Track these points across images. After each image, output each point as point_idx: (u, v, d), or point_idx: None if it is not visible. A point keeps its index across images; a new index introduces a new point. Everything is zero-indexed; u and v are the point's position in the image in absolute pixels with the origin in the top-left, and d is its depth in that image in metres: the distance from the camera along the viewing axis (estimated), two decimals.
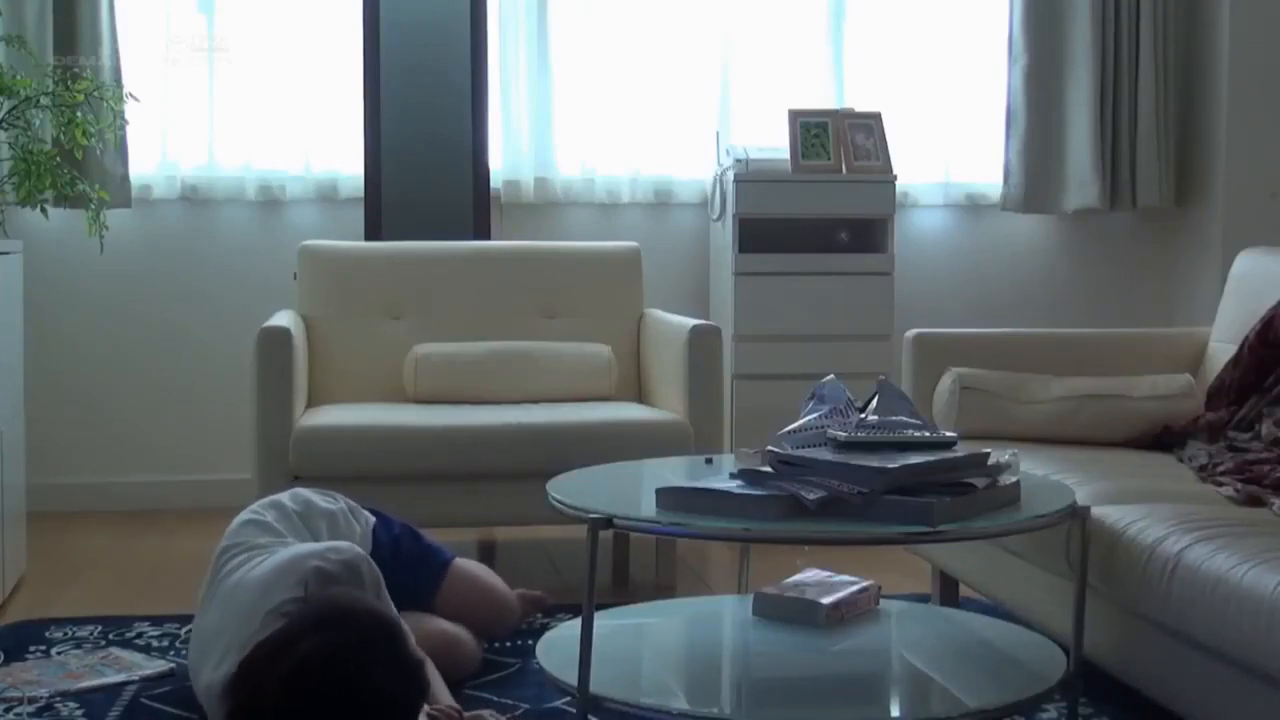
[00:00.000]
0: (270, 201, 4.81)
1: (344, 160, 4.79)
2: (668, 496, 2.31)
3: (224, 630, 2.48)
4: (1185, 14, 4.96)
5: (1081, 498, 2.49)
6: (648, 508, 2.32)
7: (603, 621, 2.42)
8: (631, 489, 2.68)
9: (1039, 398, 3.26)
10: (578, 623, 2.31)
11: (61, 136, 4.03)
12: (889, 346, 4.47)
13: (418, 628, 2.64)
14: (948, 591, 3.32)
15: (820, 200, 4.64)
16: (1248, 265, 3.47)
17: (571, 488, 2.49)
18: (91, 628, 3.26)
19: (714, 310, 4.78)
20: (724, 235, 4.69)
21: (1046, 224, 5.15)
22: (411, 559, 2.95)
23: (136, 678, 2.89)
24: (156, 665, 2.97)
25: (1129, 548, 2.37)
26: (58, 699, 2.76)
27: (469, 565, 3.08)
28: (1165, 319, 5.01)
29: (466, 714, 2.53)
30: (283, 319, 3.76)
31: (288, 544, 2.66)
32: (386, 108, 4.65)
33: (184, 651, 3.06)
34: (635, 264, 4.29)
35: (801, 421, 2.40)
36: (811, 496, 2.19)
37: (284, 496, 2.89)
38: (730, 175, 4.63)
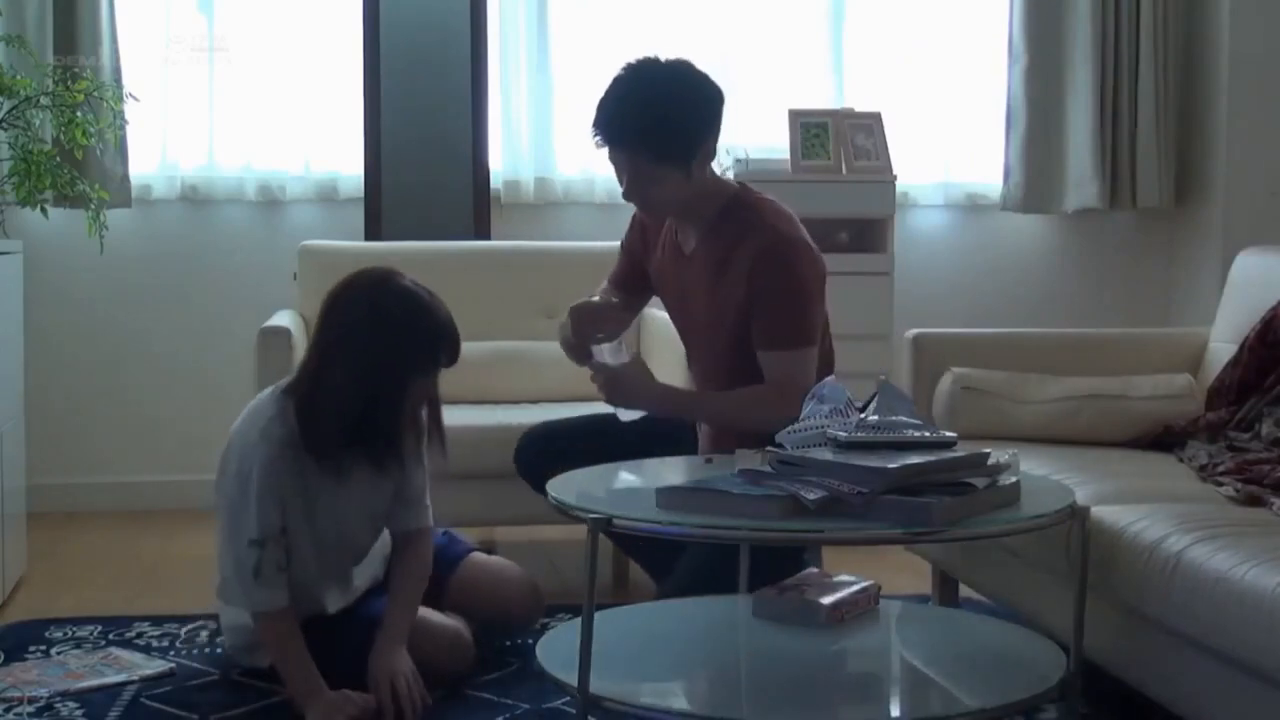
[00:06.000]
0: (270, 201, 4.80)
1: (344, 160, 4.79)
2: (668, 496, 2.31)
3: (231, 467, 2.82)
4: (1185, 14, 4.96)
5: (1081, 498, 2.48)
6: (648, 508, 2.32)
7: (603, 621, 2.42)
8: (631, 489, 2.68)
9: (1039, 398, 3.26)
10: (578, 623, 2.31)
11: (61, 136, 4.03)
12: (889, 346, 4.46)
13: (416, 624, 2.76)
14: (948, 591, 3.32)
15: (820, 200, 4.63)
16: (1248, 265, 3.47)
17: (571, 488, 2.48)
18: (91, 628, 3.26)
19: None
20: None
21: (1046, 224, 5.14)
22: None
23: (136, 678, 2.89)
24: (156, 665, 2.97)
25: (1129, 548, 2.37)
26: (58, 699, 2.76)
27: (489, 556, 3.16)
28: (1165, 319, 5.01)
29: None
30: (283, 319, 3.77)
31: None
32: (386, 108, 4.65)
33: (184, 651, 3.08)
34: None
35: (801, 422, 2.40)
36: (811, 496, 2.19)
37: None
38: (730, 175, 4.62)
